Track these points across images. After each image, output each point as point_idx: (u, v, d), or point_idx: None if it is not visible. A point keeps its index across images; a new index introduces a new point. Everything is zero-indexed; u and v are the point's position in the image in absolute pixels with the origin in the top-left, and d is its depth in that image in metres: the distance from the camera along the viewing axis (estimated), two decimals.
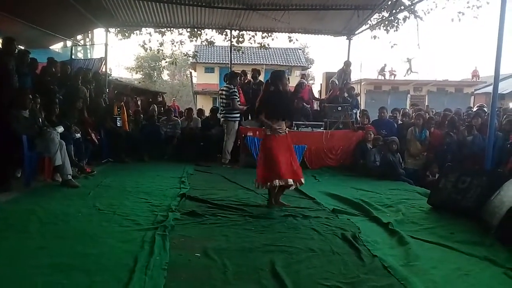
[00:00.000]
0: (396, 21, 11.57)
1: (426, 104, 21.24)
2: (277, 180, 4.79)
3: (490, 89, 8.71)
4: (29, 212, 4.26)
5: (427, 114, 10.07)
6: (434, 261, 3.26)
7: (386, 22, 11.49)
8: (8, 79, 6.43)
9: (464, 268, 3.14)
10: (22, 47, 8.77)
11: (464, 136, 7.89)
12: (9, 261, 2.95)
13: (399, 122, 9.40)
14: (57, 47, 12.09)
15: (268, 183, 4.86)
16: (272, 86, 5.10)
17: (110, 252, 3.18)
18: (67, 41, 12.19)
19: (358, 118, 9.63)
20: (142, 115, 9.93)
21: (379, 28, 11.77)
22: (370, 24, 11.57)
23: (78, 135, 6.86)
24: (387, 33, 11.79)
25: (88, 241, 3.44)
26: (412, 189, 6.51)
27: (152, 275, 2.73)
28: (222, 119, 8.87)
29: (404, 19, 11.38)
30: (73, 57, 11.19)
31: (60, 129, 6.07)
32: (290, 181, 4.81)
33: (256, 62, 27.71)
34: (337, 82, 10.08)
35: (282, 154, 4.90)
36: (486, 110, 9.26)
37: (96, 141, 7.68)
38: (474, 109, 9.93)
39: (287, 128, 5.22)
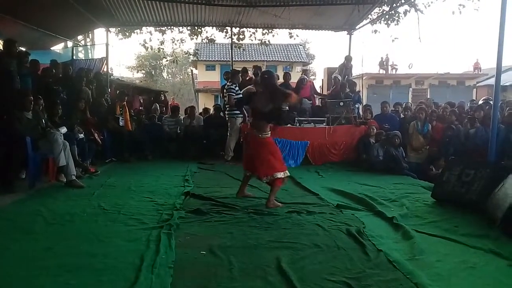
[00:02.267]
0: (397, 14, 11.53)
1: (428, 97, 21.20)
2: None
3: (492, 81, 8.68)
4: (34, 213, 4.29)
5: (431, 107, 10.03)
6: (439, 254, 3.26)
7: (387, 16, 11.45)
8: (10, 81, 6.45)
9: (469, 261, 3.13)
10: (24, 49, 8.78)
11: (466, 129, 7.88)
12: (17, 262, 2.98)
13: (401, 116, 9.38)
14: (58, 48, 12.13)
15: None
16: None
17: (116, 252, 3.20)
18: (68, 42, 12.21)
19: (361, 113, 9.62)
20: (143, 115, 9.96)
21: (380, 22, 11.73)
22: (370, 19, 11.54)
23: (82, 136, 6.90)
24: (388, 27, 11.75)
25: (94, 241, 3.46)
26: (415, 183, 6.50)
27: (159, 274, 2.74)
28: (226, 117, 8.88)
29: (405, 12, 11.32)
30: (74, 57, 11.20)
31: (63, 129, 6.11)
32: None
33: (257, 59, 27.75)
34: (339, 78, 10.05)
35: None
36: (491, 103, 9.24)
37: (100, 141, 7.71)
38: (480, 102, 9.88)
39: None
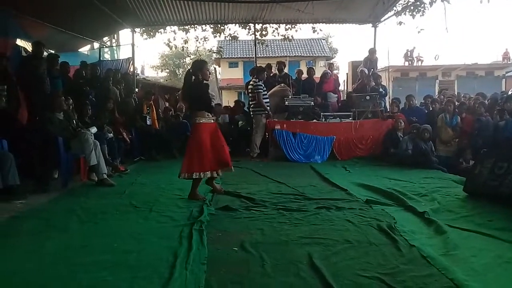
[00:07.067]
0: (423, 5, 11.32)
1: (457, 90, 20.75)
2: (198, 173, 4.86)
3: None
4: (68, 211, 4.39)
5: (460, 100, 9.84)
6: (473, 249, 3.20)
7: (412, 7, 11.26)
8: (40, 83, 6.61)
9: (505, 255, 3.06)
10: (53, 51, 8.98)
11: (496, 121, 7.69)
12: (54, 259, 3.05)
13: (430, 108, 9.21)
14: (85, 49, 12.34)
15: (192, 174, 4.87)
16: (193, 76, 4.96)
17: (150, 248, 3.25)
18: (94, 43, 12.43)
19: (388, 107, 9.51)
20: (171, 112, 10.07)
21: (405, 14, 11.54)
22: (395, 10, 11.36)
23: (111, 135, 7.03)
24: (413, 18, 11.55)
25: (128, 238, 3.53)
26: (446, 177, 6.38)
27: (193, 270, 2.78)
28: (251, 113, 8.90)
29: (431, 3, 11.10)
30: (101, 58, 11.40)
31: (94, 129, 6.23)
32: (208, 174, 4.94)
33: (280, 55, 27.66)
34: (366, 71, 9.93)
35: (209, 144, 4.92)
36: None
37: (128, 140, 7.85)
38: (510, 93, 9.63)
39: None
